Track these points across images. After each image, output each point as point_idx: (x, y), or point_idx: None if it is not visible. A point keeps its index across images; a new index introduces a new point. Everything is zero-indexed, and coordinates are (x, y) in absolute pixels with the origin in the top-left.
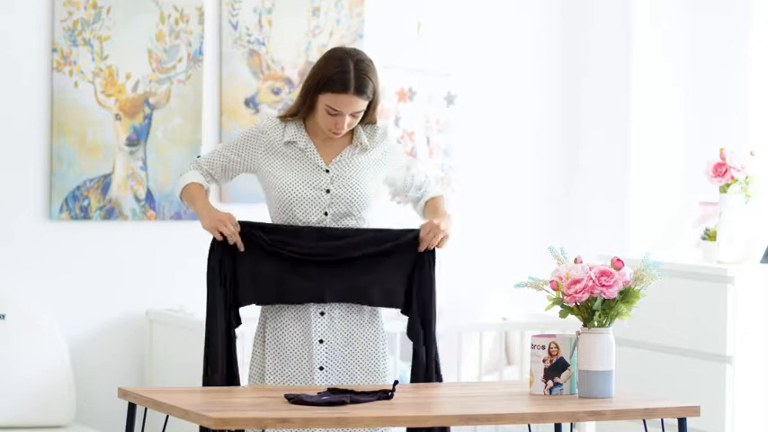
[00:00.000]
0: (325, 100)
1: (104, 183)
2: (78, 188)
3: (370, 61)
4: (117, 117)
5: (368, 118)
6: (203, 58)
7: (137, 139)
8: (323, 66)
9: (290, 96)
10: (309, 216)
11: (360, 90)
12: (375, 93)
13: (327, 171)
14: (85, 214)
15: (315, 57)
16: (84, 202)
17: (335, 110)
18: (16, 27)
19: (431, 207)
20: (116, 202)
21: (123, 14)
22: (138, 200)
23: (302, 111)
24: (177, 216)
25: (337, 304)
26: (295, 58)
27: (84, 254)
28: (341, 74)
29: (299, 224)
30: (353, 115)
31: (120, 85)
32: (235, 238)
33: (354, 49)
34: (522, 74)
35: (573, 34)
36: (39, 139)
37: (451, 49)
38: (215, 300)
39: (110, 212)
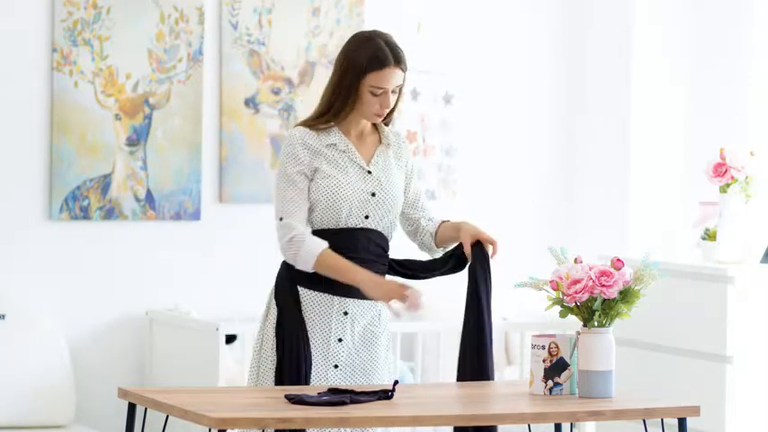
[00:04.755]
0: (369, 81)
1: (104, 183)
2: (78, 188)
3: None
4: (117, 117)
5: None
6: (203, 58)
7: (137, 139)
8: (358, 52)
9: (290, 96)
10: (351, 218)
11: (399, 60)
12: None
13: (370, 172)
14: (85, 214)
15: (315, 57)
16: (84, 202)
17: (381, 87)
18: (16, 27)
19: (452, 225)
20: (116, 202)
21: (123, 14)
22: (138, 200)
23: (333, 110)
24: (177, 216)
25: (359, 305)
26: (295, 58)
27: (84, 254)
28: (379, 50)
29: (341, 226)
30: (394, 92)
31: (120, 85)
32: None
33: (374, 30)
34: (521, 74)
35: (573, 34)
36: (39, 139)
37: (451, 48)
38: None
39: (110, 212)
